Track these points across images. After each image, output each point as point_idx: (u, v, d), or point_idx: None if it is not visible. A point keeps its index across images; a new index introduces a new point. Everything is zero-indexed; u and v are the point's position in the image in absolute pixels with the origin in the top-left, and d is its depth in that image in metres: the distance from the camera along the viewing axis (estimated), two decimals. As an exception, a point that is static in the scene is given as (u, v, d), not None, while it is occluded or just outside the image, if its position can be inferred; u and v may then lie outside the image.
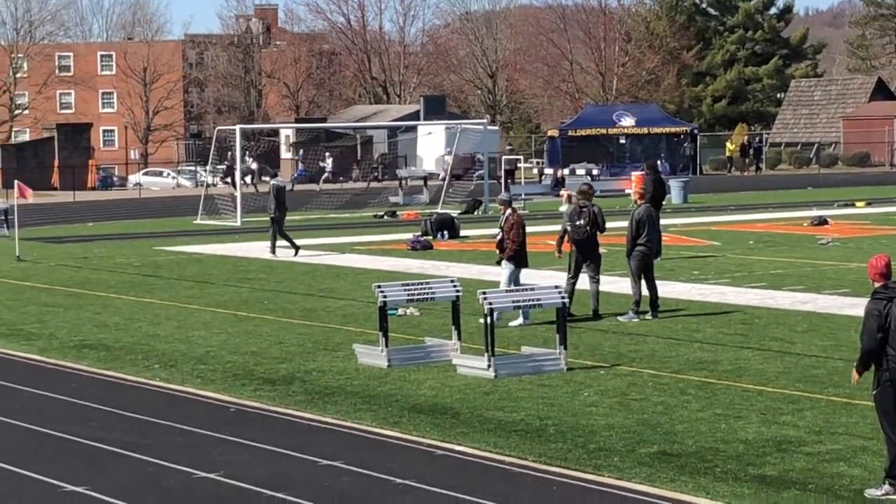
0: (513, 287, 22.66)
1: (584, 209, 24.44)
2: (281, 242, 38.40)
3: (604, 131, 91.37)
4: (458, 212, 54.20)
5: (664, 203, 35.66)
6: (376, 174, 78.92)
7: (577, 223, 24.34)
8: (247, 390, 18.61)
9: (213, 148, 65.74)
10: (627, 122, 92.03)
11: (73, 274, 35.20)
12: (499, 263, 24.41)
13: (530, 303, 20.48)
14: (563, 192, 59.00)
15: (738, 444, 14.71)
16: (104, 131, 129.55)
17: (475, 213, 57.24)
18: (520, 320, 23.39)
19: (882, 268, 12.63)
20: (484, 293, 19.39)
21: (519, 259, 23.84)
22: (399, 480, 13.46)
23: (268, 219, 39.80)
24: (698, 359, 20.16)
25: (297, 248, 38.16)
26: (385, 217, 57.00)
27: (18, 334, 24.36)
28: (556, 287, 20.42)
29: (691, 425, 15.73)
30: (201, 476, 13.76)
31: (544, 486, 13.31)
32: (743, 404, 16.80)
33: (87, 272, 35.55)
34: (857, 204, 55.11)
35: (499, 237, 24.18)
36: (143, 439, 15.56)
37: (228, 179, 75.62)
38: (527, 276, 24.55)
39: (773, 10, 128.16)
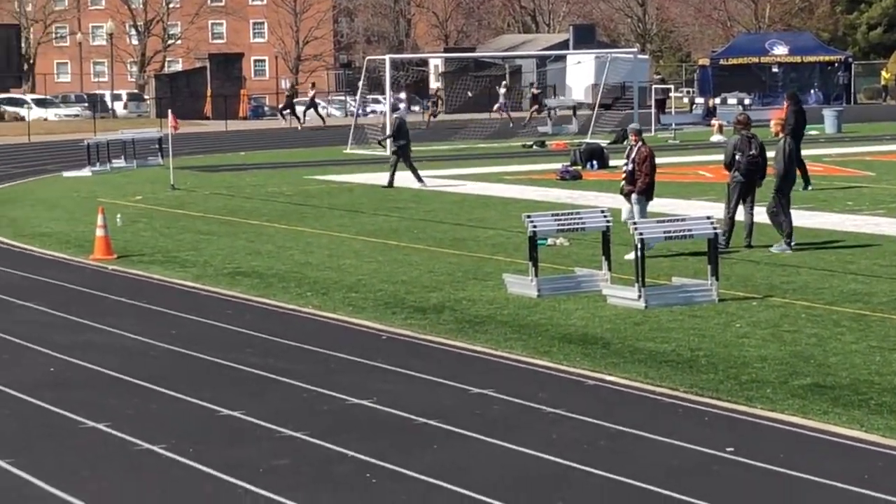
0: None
1: (753, 139, 24.04)
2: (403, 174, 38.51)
3: (756, 60, 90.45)
4: (608, 142, 53.88)
5: (805, 133, 35.19)
6: (434, 109, 78.20)
7: (750, 153, 23.89)
8: (398, 318, 18.73)
9: (363, 77, 65.89)
10: (780, 50, 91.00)
11: (226, 202, 35.62)
12: (626, 195, 23.98)
13: (681, 233, 20.32)
14: (715, 122, 59.02)
15: (893, 376, 14.50)
16: (255, 61, 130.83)
17: (624, 142, 56.92)
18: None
19: None
20: (635, 223, 19.31)
21: (650, 192, 23.57)
22: (550, 410, 13.48)
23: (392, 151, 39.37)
24: (852, 291, 19.88)
25: (391, 185, 38.04)
26: (534, 147, 56.93)
27: (174, 261, 24.72)
28: (708, 217, 20.24)
29: (845, 357, 15.55)
30: (354, 402, 13.89)
31: (696, 416, 13.25)
32: (898, 337, 16.61)
33: (239, 200, 35.95)
34: None
35: (628, 168, 23.83)
36: (297, 365, 15.74)
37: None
38: (678, 206, 24.33)
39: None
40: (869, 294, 19.51)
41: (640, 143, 23.75)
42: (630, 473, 11.22)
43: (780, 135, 24.82)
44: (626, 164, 23.84)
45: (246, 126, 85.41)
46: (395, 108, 44.12)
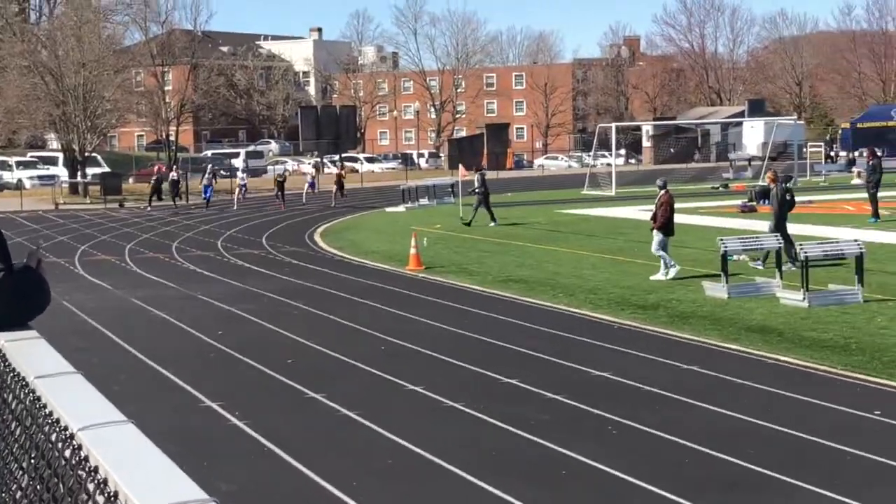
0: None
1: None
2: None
3: (883, 124, 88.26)
4: (775, 184, 52.51)
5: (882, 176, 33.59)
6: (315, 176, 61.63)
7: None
8: (625, 313, 18.50)
9: (595, 140, 65.52)
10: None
11: (499, 229, 35.70)
12: (652, 231, 22.66)
13: (836, 252, 19.62)
14: (854, 170, 57.06)
15: None
16: (517, 128, 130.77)
17: (787, 185, 55.48)
18: (673, 272, 22.02)
19: None
20: (801, 245, 18.72)
21: (666, 229, 22.20)
22: (739, 381, 13.14)
23: (476, 196, 37.61)
24: (966, 295, 18.97)
25: (494, 219, 36.70)
26: (720, 188, 55.83)
27: (464, 271, 24.86)
28: (856, 240, 19.53)
29: (963, 345, 14.85)
30: (596, 374, 13.76)
31: (850, 388, 12.77)
32: None
33: (508, 228, 36.01)
34: None
35: (653, 212, 22.60)
36: (554, 346, 15.64)
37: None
38: (829, 232, 23.43)
39: None
40: (979, 297, 18.55)
41: (662, 192, 22.67)
42: (801, 429, 10.86)
43: (773, 184, 23.51)
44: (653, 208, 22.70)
45: (511, 175, 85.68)
46: (478, 169, 40.49)
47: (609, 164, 64.26)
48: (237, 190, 54.88)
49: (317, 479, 9.66)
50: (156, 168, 56.64)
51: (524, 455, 10.33)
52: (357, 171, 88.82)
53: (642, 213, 38.14)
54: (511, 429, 11.15)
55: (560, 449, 10.38)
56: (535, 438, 10.76)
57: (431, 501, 9.09)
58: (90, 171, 66.65)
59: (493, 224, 36.69)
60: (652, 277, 22.08)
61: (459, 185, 43.49)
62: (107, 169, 71.95)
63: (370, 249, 30.54)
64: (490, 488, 9.28)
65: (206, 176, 55.50)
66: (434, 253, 28.32)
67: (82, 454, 2.06)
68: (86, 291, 23.25)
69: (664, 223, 22.26)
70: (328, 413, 12.06)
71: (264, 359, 15.09)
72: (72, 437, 2.15)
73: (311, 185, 55.06)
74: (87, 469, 1.99)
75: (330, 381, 13.65)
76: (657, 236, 22.36)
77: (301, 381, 13.63)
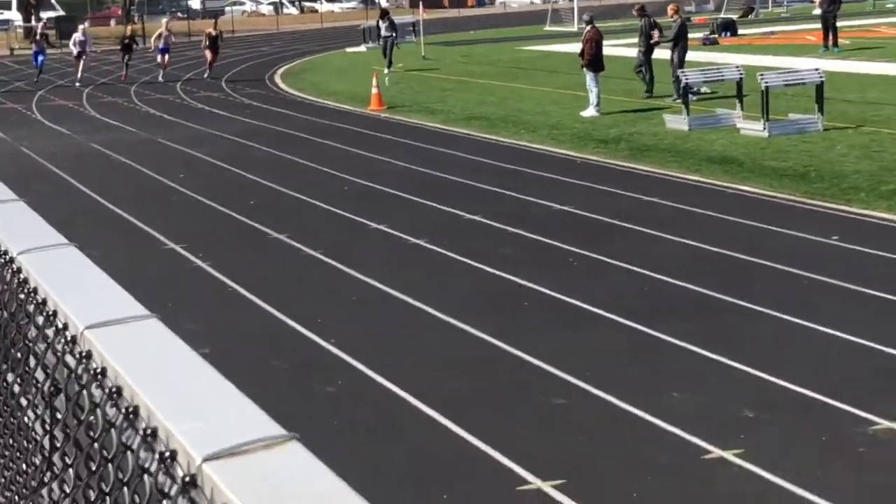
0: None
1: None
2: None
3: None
4: (737, 16, 52.02)
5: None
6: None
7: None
8: (587, 148, 18.46)
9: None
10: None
11: (461, 67, 35.34)
12: (581, 67, 22.48)
13: (797, 81, 19.52)
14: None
15: (957, 184, 13.89)
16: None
17: (749, 16, 54.95)
18: (592, 111, 21.99)
19: None
20: (762, 75, 18.61)
21: (595, 66, 21.97)
22: (700, 211, 13.22)
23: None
24: (925, 121, 19.00)
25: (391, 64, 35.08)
26: (682, 21, 55.26)
27: (426, 110, 24.67)
28: (816, 69, 19.41)
29: (920, 171, 14.93)
30: (557, 207, 13.78)
31: (809, 215, 12.88)
32: (961, 155, 15.83)
33: (470, 66, 35.64)
34: None
35: (581, 48, 22.40)
36: (516, 182, 15.62)
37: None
38: (793, 62, 23.30)
39: None
40: (938, 124, 18.61)
41: (588, 28, 22.49)
42: (761, 255, 10.97)
43: (676, 17, 23.87)
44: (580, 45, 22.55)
45: (473, 12, 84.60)
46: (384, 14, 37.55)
47: (571, 0, 63.38)
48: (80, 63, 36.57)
49: (281, 316, 9.71)
50: (111, 11, 54.73)
51: (487, 288, 10.40)
52: (317, 10, 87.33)
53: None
54: (474, 263, 11.20)
55: (522, 281, 10.45)
56: (498, 272, 10.83)
57: (395, 336, 9.17)
58: (44, 14, 65.15)
59: (386, 71, 33.92)
60: (582, 113, 21.98)
61: (421, 24, 42.91)
62: (62, 13, 70.43)
63: (331, 90, 30.21)
64: (453, 321, 9.36)
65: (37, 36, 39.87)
66: (396, 92, 28.05)
67: (21, 276, 2.02)
68: (45, 137, 22.96)
69: (590, 59, 22.02)
70: (292, 252, 12.07)
71: (227, 201, 15.02)
72: (11, 260, 2.11)
73: (164, 50, 37.16)
74: (26, 291, 1.96)
75: (293, 221, 13.63)
76: (588, 73, 22.14)
77: (264, 222, 13.60)
